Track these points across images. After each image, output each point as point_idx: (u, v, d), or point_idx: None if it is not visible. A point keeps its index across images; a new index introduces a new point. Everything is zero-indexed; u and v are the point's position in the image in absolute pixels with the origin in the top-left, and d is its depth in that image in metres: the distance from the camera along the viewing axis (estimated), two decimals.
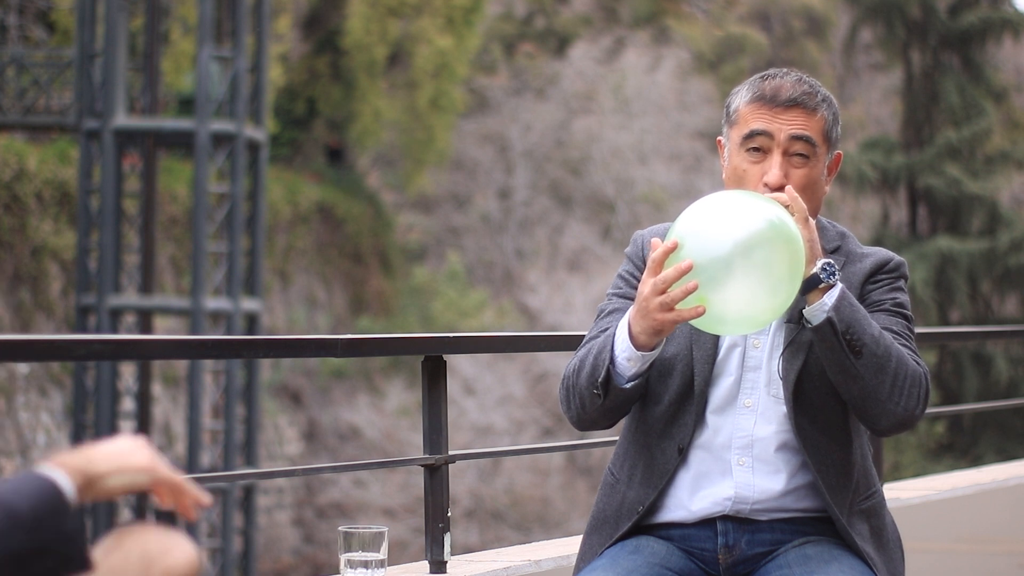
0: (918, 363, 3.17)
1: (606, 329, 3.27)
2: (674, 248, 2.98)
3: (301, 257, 30.44)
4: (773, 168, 3.21)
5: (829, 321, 3.07)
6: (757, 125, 3.22)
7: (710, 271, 2.96)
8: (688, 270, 2.97)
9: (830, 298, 3.07)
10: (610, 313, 3.29)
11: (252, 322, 22.78)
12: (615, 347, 3.13)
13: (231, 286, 22.08)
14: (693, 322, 3.04)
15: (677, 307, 3.00)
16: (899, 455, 23.39)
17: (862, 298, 3.25)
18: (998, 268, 25.74)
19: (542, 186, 35.63)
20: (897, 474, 21.21)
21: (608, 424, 3.29)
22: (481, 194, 35.82)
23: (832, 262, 3.08)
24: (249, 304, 22.51)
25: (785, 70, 3.32)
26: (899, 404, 3.13)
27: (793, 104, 3.23)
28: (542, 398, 30.62)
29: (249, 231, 22.94)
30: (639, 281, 3.29)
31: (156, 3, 22.89)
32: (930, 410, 6.23)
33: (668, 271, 2.98)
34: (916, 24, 26.79)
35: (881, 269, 3.28)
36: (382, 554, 3.59)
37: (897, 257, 3.31)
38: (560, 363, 29.85)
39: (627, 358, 3.12)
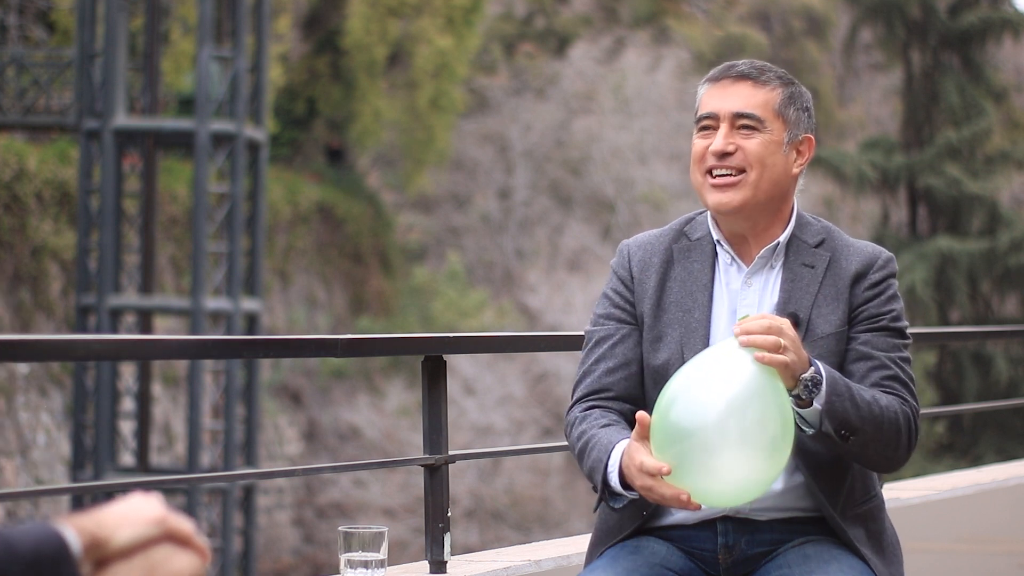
0: (905, 401, 3.18)
1: (599, 359, 3.28)
2: (668, 473, 2.95)
3: (301, 257, 30.43)
4: (718, 137, 3.25)
5: (823, 430, 3.08)
6: (706, 109, 3.29)
7: (704, 438, 2.92)
8: (687, 500, 2.95)
9: (818, 402, 3.05)
10: (598, 342, 3.30)
11: (252, 322, 22.78)
12: (609, 477, 3.12)
13: (231, 286, 22.08)
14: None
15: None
16: None
17: (854, 307, 3.23)
18: (998, 268, 25.73)
19: (542, 186, 35.63)
20: (897, 474, 21.17)
21: None
22: (481, 194, 35.82)
23: (815, 375, 3.05)
24: (249, 304, 22.51)
25: (749, 59, 3.36)
26: (890, 459, 3.18)
27: (741, 77, 3.28)
28: (542, 398, 30.61)
29: (249, 231, 22.94)
30: (623, 299, 3.30)
31: (156, 3, 22.89)
32: (930, 410, 6.24)
33: (668, 497, 2.96)
34: (916, 24, 26.79)
35: (871, 268, 3.26)
36: (382, 554, 3.59)
37: (885, 252, 3.29)
38: (560, 363, 29.86)
39: (625, 489, 3.12)
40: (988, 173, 26.43)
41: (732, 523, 3.21)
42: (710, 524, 3.21)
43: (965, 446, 24.89)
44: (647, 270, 3.30)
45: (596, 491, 3.17)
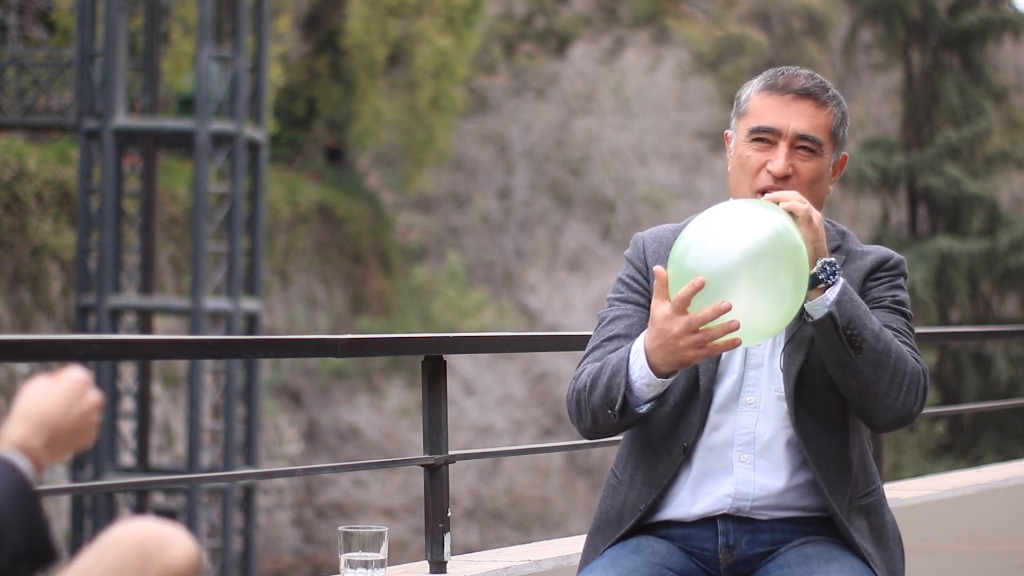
0: (917, 360, 3.17)
1: (612, 337, 3.26)
2: (701, 287, 2.94)
3: (301, 257, 30.43)
4: (779, 158, 3.21)
5: (830, 316, 3.07)
6: (765, 121, 3.23)
7: (716, 283, 2.94)
8: (727, 310, 2.94)
9: (831, 293, 3.07)
10: (612, 321, 3.28)
11: (252, 322, 22.78)
12: (631, 371, 3.12)
13: (231, 286, 22.08)
14: None
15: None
16: (899, 455, 23.39)
17: (862, 295, 3.25)
18: (998, 268, 25.74)
19: (542, 186, 35.63)
20: (897, 474, 21.20)
21: (618, 434, 3.30)
22: (481, 194, 35.82)
23: (833, 261, 3.08)
24: (249, 304, 22.51)
25: (799, 68, 3.32)
26: (897, 400, 3.13)
27: (804, 95, 3.24)
28: (542, 398, 30.61)
29: (249, 231, 22.94)
30: (639, 285, 3.29)
31: (156, 3, 22.89)
32: (930, 410, 6.23)
33: (705, 311, 2.95)
34: (916, 24, 26.79)
35: (881, 267, 3.28)
36: (382, 554, 3.59)
37: (897, 255, 3.31)
38: (560, 363, 29.84)
39: (646, 384, 3.11)
40: (988, 173, 26.44)
41: (733, 522, 3.20)
42: (711, 523, 3.21)
43: (965, 446, 24.90)
44: (661, 262, 3.30)
45: (616, 409, 3.14)
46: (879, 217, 27.15)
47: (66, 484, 21.32)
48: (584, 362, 3.28)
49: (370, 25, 32.02)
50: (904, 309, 3.26)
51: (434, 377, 4.17)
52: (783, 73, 3.28)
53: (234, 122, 22.05)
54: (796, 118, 3.22)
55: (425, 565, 4.14)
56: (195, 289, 21.84)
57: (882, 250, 3.32)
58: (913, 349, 3.20)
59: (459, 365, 29.08)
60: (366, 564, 3.58)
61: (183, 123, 22.90)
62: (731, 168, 3.29)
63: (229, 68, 22.25)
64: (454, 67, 32.76)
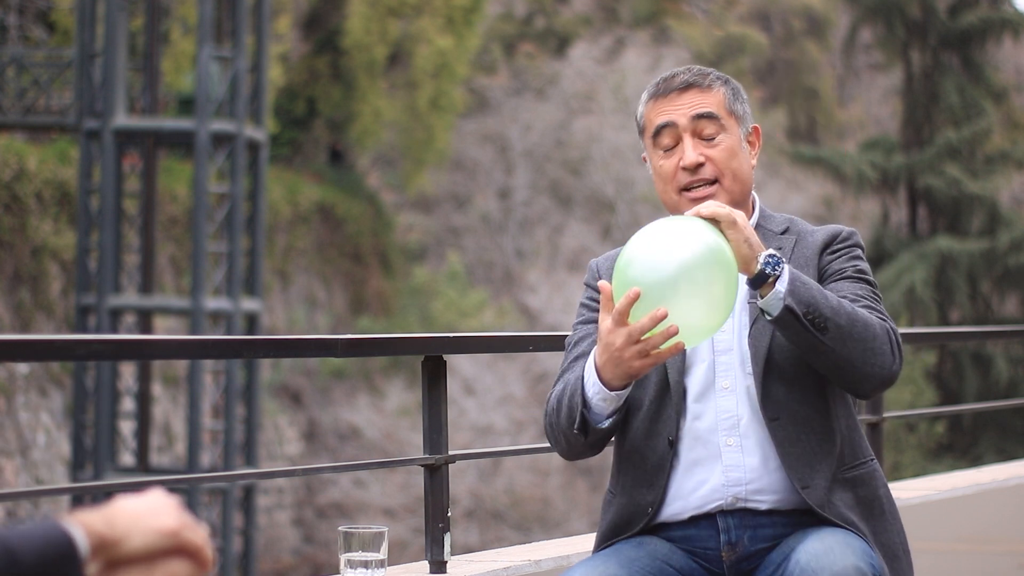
0: (883, 319, 3.18)
1: (578, 357, 3.32)
2: (637, 297, 2.99)
3: (301, 257, 30.43)
4: (687, 151, 3.26)
5: (788, 308, 3.08)
6: (660, 120, 3.28)
7: (657, 292, 3.00)
8: (663, 317, 2.98)
9: (782, 284, 3.08)
10: (577, 343, 3.35)
11: (252, 322, 22.78)
12: (586, 389, 3.16)
13: (231, 286, 22.08)
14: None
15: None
16: (899, 455, 23.39)
17: (821, 270, 3.28)
18: (998, 268, 25.73)
19: (542, 186, 35.63)
20: (897, 474, 21.20)
21: (597, 452, 3.32)
22: (481, 194, 35.82)
23: (775, 253, 3.10)
24: (249, 304, 22.51)
25: (677, 68, 3.39)
26: (875, 365, 3.15)
27: (686, 87, 3.29)
28: (542, 398, 30.58)
29: (249, 231, 22.93)
30: (599, 305, 3.33)
31: (156, 3, 22.89)
32: (930, 410, 6.23)
33: (643, 321, 3.00)
34: (916, 24, 26.79)
35: (835, 240, 3.31)
36: (382, 554, 3.59)
37: (849, 228, 3.34)
38: (560, 363, 29.82)
39: (602, 399, 3.16)
40: (988, 173, 26.44)
41: (733, 519, 3.21)
42: (711, 521, 3.22)
43: (965, 446, 24.90)
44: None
45: (576, 427, 3.18)
46: (879, 217, 27.14)
47: (66, 484, 21.33)
48: (554, 387, 3.33)
49: (370, 25, 32.01)
50: (867, 277, 3.28)
51: (434, 377, 4.18)
52: (663, 78, 3.35)
53: (234, 122, 22.05)
54: (686, 108, 3.28)
55: (425, 565, 4.14)
56: (195, 289, 21.84)
57: (832, 226, 3.35)
58: (881, 313, 3.21)
59: (459, 365, 29.08)
60: (366, 564, 3.58)
61: (183, 123, 22.89)
62: (655, 183, 3.34)
63: (229, 68, 22.24)
64: (454, 67, 32.75)
